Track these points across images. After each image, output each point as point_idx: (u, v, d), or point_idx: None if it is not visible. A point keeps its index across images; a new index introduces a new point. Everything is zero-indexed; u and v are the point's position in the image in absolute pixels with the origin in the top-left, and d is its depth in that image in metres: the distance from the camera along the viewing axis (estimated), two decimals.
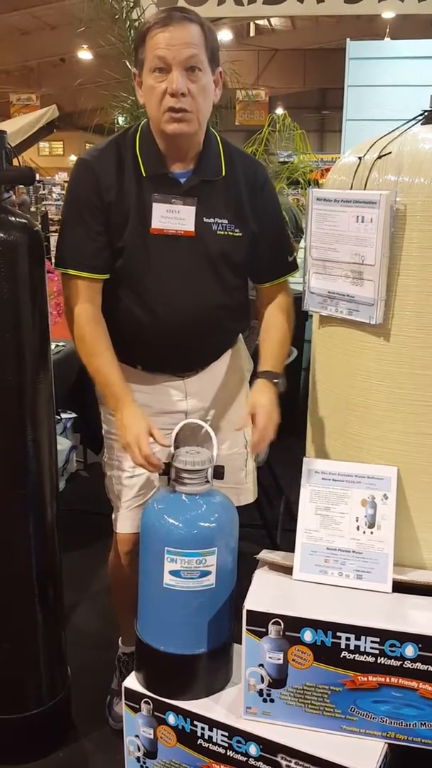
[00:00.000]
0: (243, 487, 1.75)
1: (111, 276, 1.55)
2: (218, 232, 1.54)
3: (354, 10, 3.97)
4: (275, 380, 1.53)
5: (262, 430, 1.43)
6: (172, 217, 1.50)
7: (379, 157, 1.32)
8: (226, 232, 1.54)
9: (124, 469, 1.66)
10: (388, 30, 8.76)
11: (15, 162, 1.54)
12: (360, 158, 1.36)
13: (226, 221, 1.54)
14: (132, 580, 1.44)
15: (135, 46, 1.47)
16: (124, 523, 1.68)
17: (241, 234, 1.56)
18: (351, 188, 1.36)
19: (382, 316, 1.31)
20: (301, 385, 3.69)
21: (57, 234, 1.58)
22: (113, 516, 1.73)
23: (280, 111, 4.38)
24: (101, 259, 1.52)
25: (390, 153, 1.32)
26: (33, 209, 8.60)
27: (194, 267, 1.54)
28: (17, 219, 1.49)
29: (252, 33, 15.73)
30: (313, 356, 1.55)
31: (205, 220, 1.53)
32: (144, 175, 1.51)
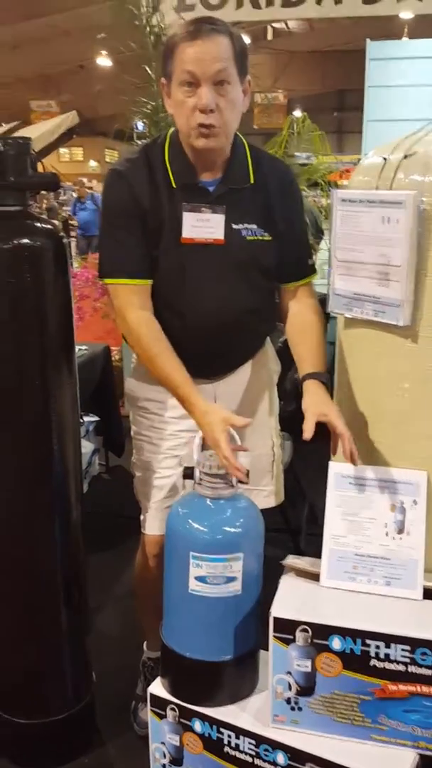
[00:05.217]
0: (268, 489, 1.73)
1: None
2: (248, 238, 1.55)
3: (373, 11, 3.92)
4: (324, 380, 1.50)
5: (349, 436, 1.34)
6: (202, 225, 1.51)
7: (405, 157, 1.30)
8: (255, 237, 1.55)
9: (153, 470, 1.66)
10: (406, 30, 8.69)
11: (39, 168, 1.55)
12: (385, 159, 1.34)
13: (255, 226, 1.55)
14: (158, 583, 1.43)
15: (164, 56, 1.47)
16: (153, 524, 1.67)
17: (270, 238, 1.57)
18: (376, 189, 1.34)
19: (410, 317, 1.29)
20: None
21: (77, 239, 1.58)
22: (141, 517, 1.72)
23: (298, 113, 4.36)
24: (145, 264, 1.52)
25: (416, 153, 1.30)
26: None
27: (225, 273, 1.55)
28: (43, 225, 1.49)
29: (269, 36, 15.70)
30: (338, 358, 1.53)
31: (234, 226, 1.53)
32: (174, 185, 1.52)
